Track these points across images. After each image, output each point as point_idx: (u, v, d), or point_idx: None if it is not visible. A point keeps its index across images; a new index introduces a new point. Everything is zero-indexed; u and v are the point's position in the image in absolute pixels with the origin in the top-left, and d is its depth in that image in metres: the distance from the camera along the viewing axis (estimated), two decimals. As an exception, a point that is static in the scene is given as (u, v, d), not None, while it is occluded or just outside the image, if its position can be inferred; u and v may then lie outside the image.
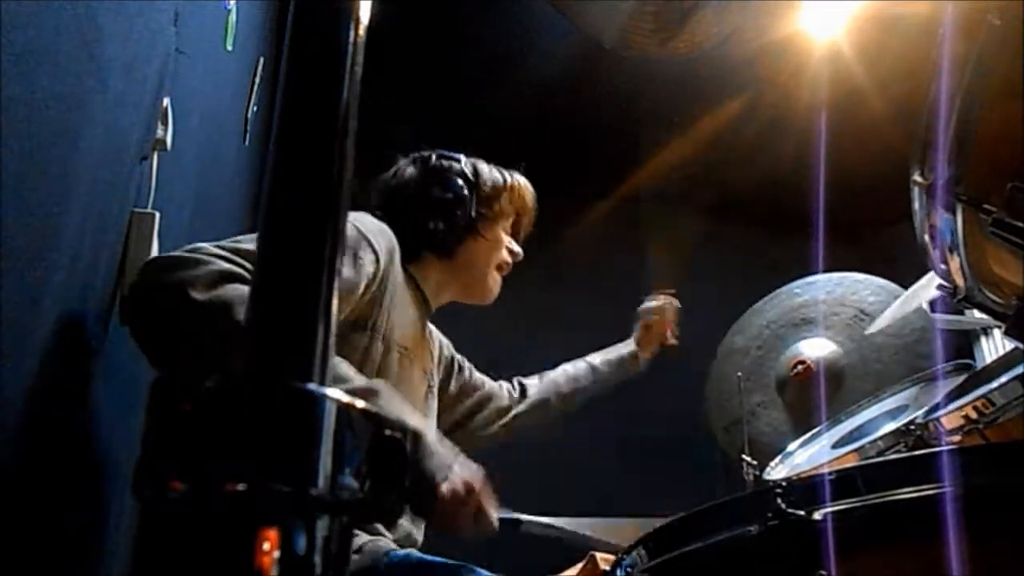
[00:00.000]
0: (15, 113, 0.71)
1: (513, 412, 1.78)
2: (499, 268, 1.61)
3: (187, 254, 1.02)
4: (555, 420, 1.85)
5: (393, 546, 1.31)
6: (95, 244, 0.99)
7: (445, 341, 1.72)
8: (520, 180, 1.63)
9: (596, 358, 1.90)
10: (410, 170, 1.55)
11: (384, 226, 1.38)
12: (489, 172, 1.59)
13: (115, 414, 1.15)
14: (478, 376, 1.79)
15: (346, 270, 1.23)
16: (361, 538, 1.28)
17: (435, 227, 1.50)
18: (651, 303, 1.96)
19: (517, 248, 1.64)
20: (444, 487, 1.05)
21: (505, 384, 1.82)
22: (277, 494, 0.34)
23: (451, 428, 1.68)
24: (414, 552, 1.33)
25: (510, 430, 1.77)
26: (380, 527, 1.33)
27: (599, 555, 1.56)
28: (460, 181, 1.53)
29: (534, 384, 1.84)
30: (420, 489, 1.05)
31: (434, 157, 1.56)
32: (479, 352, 1.84)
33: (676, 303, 1.98)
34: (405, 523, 1.40)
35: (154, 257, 1.08)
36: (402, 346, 1.41)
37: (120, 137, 1.04)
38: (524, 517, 1.83)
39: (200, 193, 1.61)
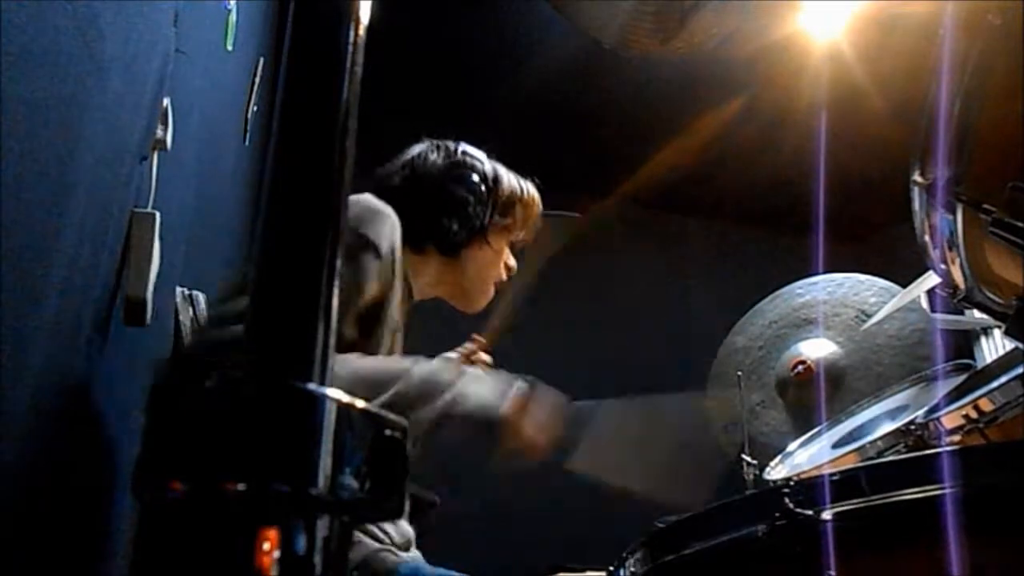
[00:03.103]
0: (15, 113, 0.71)
1: None
2: (496, 283, 1.57)
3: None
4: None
5: (400, 558, 1.25)
6: (95, 244, 0.99)
7: None
8: (534, 194, 1.58)
9: None
10: (433, 157, 1.48)
11: (385, 210, 1.28)
12: (508, 180, 1.54)
13: (115, 414, 1.15)
14: None
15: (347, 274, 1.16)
16: (365, 547, 1.23)
17: (448, 225, 1.44)
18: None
19: (513, 262, 1.58)
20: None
21: None
22: (277, 494, 0.34)
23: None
24: (423, 567, 1.28)
25: None
26: (382, 531, 1.28)
27: None
28: (479, 182, 1.48)
29: None
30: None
31: (459, 152, 1.50)
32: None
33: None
34: (404, 523, 1.35)
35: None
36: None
37: (120, 137, 1.03)
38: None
39: (200, 193, 1.61)
